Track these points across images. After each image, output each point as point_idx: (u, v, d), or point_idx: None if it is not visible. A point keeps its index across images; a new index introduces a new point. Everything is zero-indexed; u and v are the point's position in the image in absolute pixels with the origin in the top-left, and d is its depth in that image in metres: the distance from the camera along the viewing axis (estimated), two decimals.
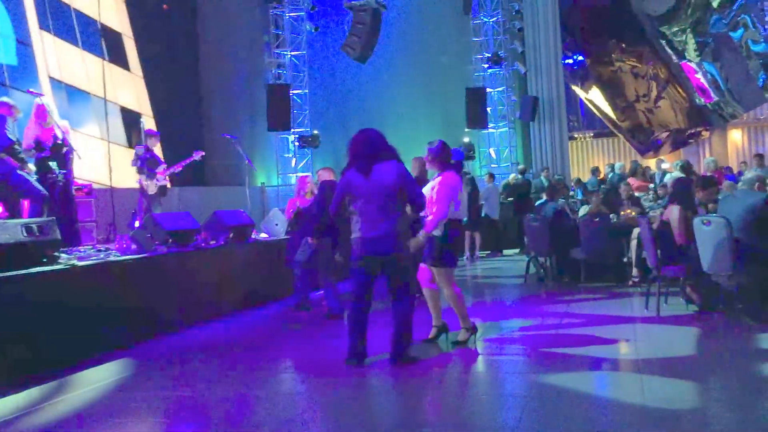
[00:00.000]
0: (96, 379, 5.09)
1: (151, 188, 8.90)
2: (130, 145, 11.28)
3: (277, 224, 8.78)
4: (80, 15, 11.36)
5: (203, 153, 9.40)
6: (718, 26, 18.64)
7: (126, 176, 9.64)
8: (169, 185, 9.24)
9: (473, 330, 5.58)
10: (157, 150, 9.55)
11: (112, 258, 6.35)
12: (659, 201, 9.57)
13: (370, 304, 5.07)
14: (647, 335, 5.75)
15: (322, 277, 7.18)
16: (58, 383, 4.96)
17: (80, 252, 6.89)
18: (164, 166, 9.07)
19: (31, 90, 8.18)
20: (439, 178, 5.40)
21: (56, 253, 5.84)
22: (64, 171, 7.52)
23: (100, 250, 7.06)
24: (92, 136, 11.08)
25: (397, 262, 4.94)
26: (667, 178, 11.71)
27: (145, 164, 8.82)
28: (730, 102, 19.65)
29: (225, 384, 4.87)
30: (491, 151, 17.21)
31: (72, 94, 10.92)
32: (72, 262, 5.84)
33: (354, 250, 5.01)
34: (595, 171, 15.03)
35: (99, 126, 11.14)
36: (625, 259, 8.40)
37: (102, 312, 5.74)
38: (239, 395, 4.58)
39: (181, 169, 9.18)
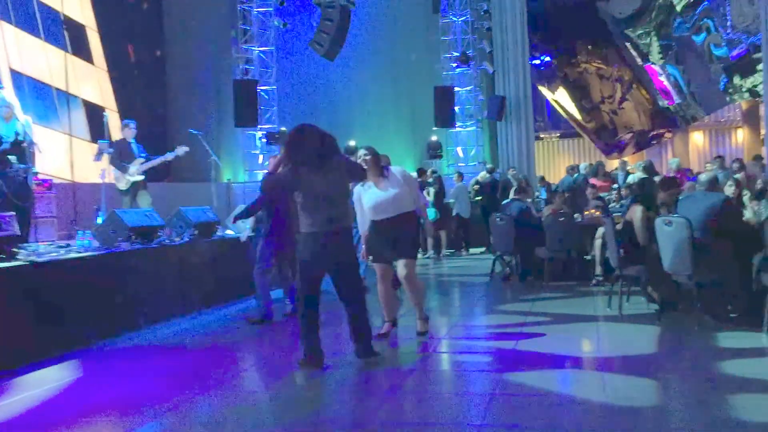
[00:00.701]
0: (55, 378, 4.99)
1: (121, 183, 8.60)
2: (93, 140, 11.08)
3: (242, 221, 8.68)
4: (42, 6, 11.13)
5: (187, 148, 8.98)
6: (681, 30, 18.97)
7: (88, 171, 9.46)
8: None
9: (427, 317, 5.78)
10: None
11: (72, 254, 6.23)
12: (622, 201, 9.70)
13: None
14: (609, 334, 5.83)
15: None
16: (17, 381, 4.85)
17: (40, 248, 6.75)
18: (141, 160, 8.67)
19: None
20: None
21: (14, 249, 5.71)
22: (25, 165, 7.35)
23: (60, 246, 6.92)
24: (54, 130, 10.86)
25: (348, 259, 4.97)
26: (630, 179, 11.89)
27: (119, 156, 8.52)
28: (692, 104, 20.03)
29: (187, 382, 4.81)
30: (459, 150, 17.30)
31: (33, 86, 10.70)
32: (31, 258, 5.72)
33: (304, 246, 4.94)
34: (571, 170, 14.94)
35: (61, 120, 10.93)
36: (588, 257, 8.50)
37: (62, 309, 5.63)
38: (201, 394, 4.53)
39: (158, 164, 8.81)
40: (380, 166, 5.51)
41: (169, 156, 8.81)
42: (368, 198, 5.50)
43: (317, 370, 4.84)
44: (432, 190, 12.41)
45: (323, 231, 4.80)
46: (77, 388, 4.80)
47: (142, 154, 8.73)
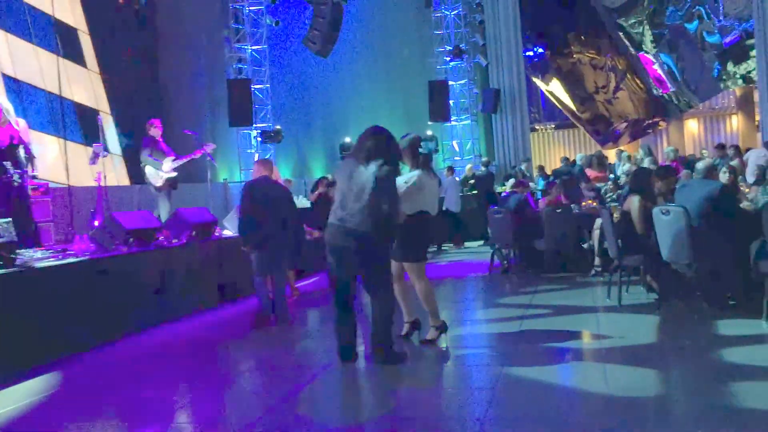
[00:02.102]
0: (55, 383, 4.98)
1: (158, 181, 8.62)
2: (87, 143, 11.04)
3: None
4: (33, 10, 11.07)
5: (214, 146, 9.07)
6: (673, 18, 18.99)
7: (83, 175, 9.43)
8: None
9: (443, 328, 5.46)
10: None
11: (70, 259, 6.21)
12: (619, 191, 9.70)
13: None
14: (609, 324, 5.84)
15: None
16: (17, 388, 4.84)
17: (37, 253, 6.73)
18: (172, 157, 8.69)
19: None
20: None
21: (12, 255, 5.70)
22: (20, 171, 7.31)
23: (58, 251, 6.90)
24: (47, 134, 10.82)
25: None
26: (625, 168, 11.90)
27: (152, 155, 8.56)
28: (686, 92, 20.06)
29: (189, 384, 4.81)
30: (454, 143, 17.29)
31: (26, 91, 10.65)
32: (29, 264, 5.70)
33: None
34: (566, 160, 14.91)
35: (54, 123, 10.89)
36: (585, 245, 8.50)
37: (61, 314, 5.62)
38: (203, 396, 4.53)
39: (188, 160, 8.80)
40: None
41: (197, 154, 8.85)
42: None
43: (323, 364, 4.83)
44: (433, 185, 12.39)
45: (336, 226, 4.82)
46: (77, 393, 4.79)
47: (171, 154, 8.78)
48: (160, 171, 8.63)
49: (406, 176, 5.31)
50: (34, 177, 7.72)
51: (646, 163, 10.94)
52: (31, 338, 5.30)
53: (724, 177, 6.91)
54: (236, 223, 8.57)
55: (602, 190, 10.08)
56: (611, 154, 16.36)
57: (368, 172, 4.77)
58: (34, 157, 7.51)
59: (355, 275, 4.95)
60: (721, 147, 12.16)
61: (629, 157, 12.64)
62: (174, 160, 8.72)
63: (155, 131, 8.80)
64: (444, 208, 12.91)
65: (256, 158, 15.30)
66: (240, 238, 6.71)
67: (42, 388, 4.84)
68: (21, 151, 7.27)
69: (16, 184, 7.24)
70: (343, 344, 4.95)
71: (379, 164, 4.76)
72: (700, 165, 6.58)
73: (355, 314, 5.01)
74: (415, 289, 5.41)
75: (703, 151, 17.00)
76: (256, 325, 6.54)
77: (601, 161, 12.12)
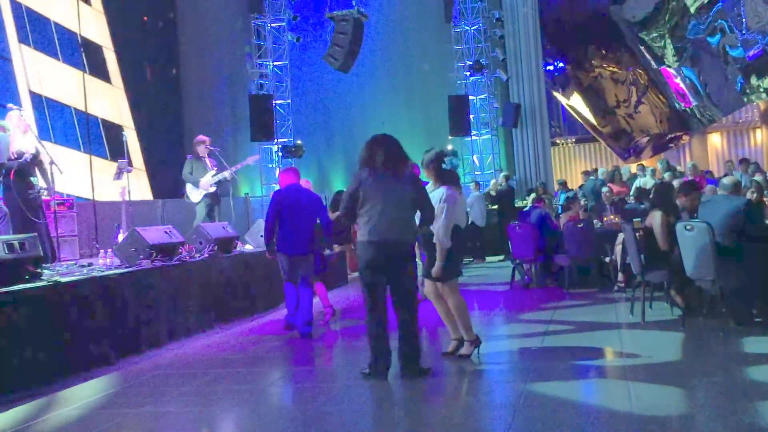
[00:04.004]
0: (80, 397, 5.03)
1: (196, 197, 8.77)
2: (112, 159, 11.19)
3: (261, 236, 8.73)
4: (60, 28, 11.29)
5: (258, 157, 9.25)
6: (695, 31, 18.86)
7: (108, 189, 9.55)
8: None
9: (477, 342, 5.41)
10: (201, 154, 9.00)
11: (95, 273, 6.28)
12: (642, 206, 9.63)
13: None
14: (633, 341, 5.78)
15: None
16: (44, 401, 4.90)
17: (63, 267, 6.82)
18: (212, 171, 8.81)
19: (10, 105, 8.08)
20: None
21: (39, 270, 5.78)
22: (46, 187, 7.43)
23: (83, 266, 6.99)
24: (73, 150, 11.00)
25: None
26: (640, 182, 11.83)
27: (192, 171, 8.72)
28: (709, 106, 19.87)
29: (211, 400, 4.84)
30: (474, 158, 17.28)
31: (52, 107, 10.84)
32: (55, 278, 5.78)
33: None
34: (586, 175, 14.69)
35: (80, 139, 11.06)
36: (608, 259, 8.44)
37: (86, 328, 5.68)
38: (226, 411, 4.54)
39: (229, 174, 8.89)
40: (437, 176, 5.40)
41: (238, 166, 8.97)
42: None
43: (381, 380, 4.84)
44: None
45: (379, 242, 4.83)
46: (103, 406, 4.83)
47: (215, 168, 8.88)
48: (197, 188, 8.75)
49: (438, 193, 5.28)
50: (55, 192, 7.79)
51: (667, 177, 10.88)
52: (55, 352, 5.35)
53: (750, 194, 6.85)
54: (258, 238, 8.69)
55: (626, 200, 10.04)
56: (633, 170, 16.23)
57: (402, 182, 4.85)
58: (60, 172, 7.61)
59: (386, 288, 4.97)
60: (745, 161, 12.04)
61: (652, 171, 12.52)
62: (214, 175, 8.80)
63: (200, 148, 8.90)
64: (469, 222, 12.90)
65: (277, 174, 15.44)
66: (265, 247, 6.85)
67: (70, 401, 4.89)
68: (45, 166, 7.36)
69: (41, 199, 7.36)
70: (384, 359, 4.90)
71: (411, 173, 4.94)
72: (725, 180, 6.52)
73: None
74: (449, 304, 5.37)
75: (728, 164, 16.78)
76: (285, 329, 6.77)
77: (620, 176, 12.10)
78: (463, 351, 5.38)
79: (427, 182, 5.44)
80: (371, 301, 4.93)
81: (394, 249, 4.83)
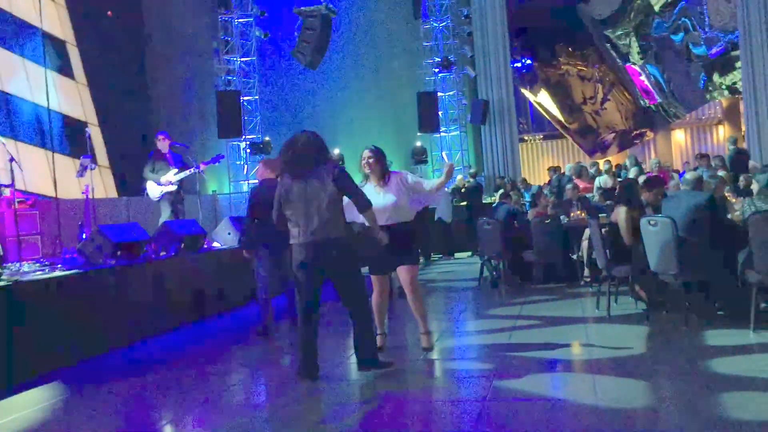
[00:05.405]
0: (43, 398, 4.94)
1: (156, 195, 8.65)
2: (75, 156, 11.00)
3: (229, 233, 8.66)
4: (21, 22, 11.05)
5: (223, 156, 9.39)
6: (660, 29, 19.16)
7: (71, 187, 9.38)
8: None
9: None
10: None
11: (57, 272, 6.17)
12: (607, 202, 9.74)
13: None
14: (598, 335, 5.85)
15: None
16: (2, 403, 4.79)
17: (25, 266, 6.68)
18: (174, 170, 8.67)
19: None
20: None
21: None
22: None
23: (45, 265, 6.85)
24: (35, 147, 10.78)
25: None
26: (600, 181, 11.96)
27: (153, 169, 8.58)
28: (673, 103, 20.22)
29: (176, 398, 4.78)
30: (443, 154, 17.33)
31: (14, 103, 10.61)
32: (16, 277, 5.66)
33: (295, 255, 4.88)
34: (553, 171, 14.79)
35: (42, 136, 10.85)
36: (575, 257, 8.53)
37: (48, 328, 5.57)
38: (189, 410, 4.49)
39: (188, 174, 8.79)
40: (384, 170, 5.35)
41: (201, 167, 8.81)
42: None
43: (310, 382, 4.81)
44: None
45: (305, 242, 4.75)
46: (64, 408, 4.74)
47: (178, 166, 8.76)
48: (159, 185, 8.63)
49: (411, 177, 5.39)
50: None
51: (633, 173, 11.01)
52: (18, 353, 5.24)
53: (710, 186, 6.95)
54: (225, 236, 8.60)
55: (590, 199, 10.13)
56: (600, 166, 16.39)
57: (320, 180, 4.72)
58: (21, 170, 7.47)
59: (320, 290, 4.90)
60: (703, 156, 12.21)
61: (608, 170, 12.63)
62: (177, 173, 8.70)
63: (162, 144, 8.79)
64: (436, 218, 12.93)
65: (245, 170, 15.32)
66: (240, 245, 6.74)
67: (30, 403, 4.80)
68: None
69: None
70: (309, 361, 4.86)
71: (330, 167, 4.76)
72: (688, 176, 6.62)
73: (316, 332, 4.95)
74: (409, 293, 5.38)
75: (686, 165, 17.02)
76: (259, 334, 6.56)
77: (587, 172, 12.21)
78: (425, 344, 5.43)
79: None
80: (303, 305, 4.86)
81: (323, 248, 4.72)
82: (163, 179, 8.62)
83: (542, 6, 19.09)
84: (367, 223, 4.96)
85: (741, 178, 9.77)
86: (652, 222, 5.94)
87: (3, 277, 5.61)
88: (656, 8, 18.77)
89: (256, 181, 7.41)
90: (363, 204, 4.81)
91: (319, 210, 4.70)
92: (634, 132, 21.07)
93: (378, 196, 5.24)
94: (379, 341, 5.45)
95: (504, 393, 4.38)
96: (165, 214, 8.63)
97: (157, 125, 13.67)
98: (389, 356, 5.19)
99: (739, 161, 11.84)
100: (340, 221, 4.80)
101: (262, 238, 6.38)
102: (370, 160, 5.32)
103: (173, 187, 8.71)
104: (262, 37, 15.25)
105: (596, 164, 13.79)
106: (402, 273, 5.37)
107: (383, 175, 5.34)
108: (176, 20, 14.20)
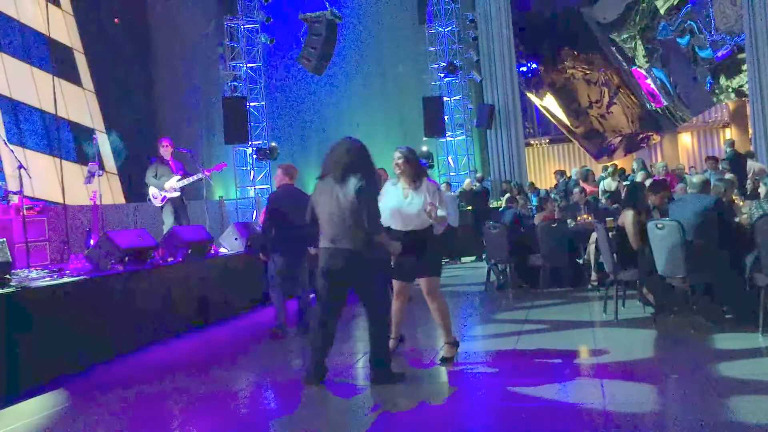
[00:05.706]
0: (48, 405, 4.95)
1: (158, 201, 8.66)
2: (83, 162, 11.05)
3: (236, 239, 8.69)
4: (29, 30, 11.12)
5: (225, 165, 9.47)
6: (665, 32, 19.13)
7: (79, 194, 9.42)
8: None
9: (457, 344, 5.44)
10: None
11: (65, 278, 6.19)
12: (615, 205, 9.73)
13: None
14: (606, 339, 5.83)
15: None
16: (11, 410, 4.81)
17: (33, 273, 6.70)
18: (177, 177, 8.66)
19: None
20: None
21: (7, 275, 5.68)
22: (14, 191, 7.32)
23: (53, 271, 6.88)
24: (43, 154, 10.83)
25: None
26: (606, 184, 11.95)
27: (156, 175, 8.60)
28: (679, 106, 20.17)
29: (184, 404, 4.79)
30: (449, 159, 17.33)
31: (22, 110, 10.67)
32: (24, 284, 5.68)
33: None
34: (560, 175, 14.80)
35: (50, 143, 10.90)
36: (581, 261, 8.51)
37: (55, 334, 5.59)
38: (199, 416, 4.50)
39: (193, 180, 8.79)
40: (416, 172, 5.21)
41: (205, 173, 8.81)
42: (390, 199, 5.19)
43: (318, 386, 4.82)
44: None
45: (329, 249, 4.79)
46: (71, 414, 4.76)
47: (180, 172, 8.77)
48: (162, 191, 8.64)
49: (439, 195, 5.27)
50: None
51: (640, 177, 10.99)
52: (25, 359, 5.26)
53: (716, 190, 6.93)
54: (232, 242, 8.62)
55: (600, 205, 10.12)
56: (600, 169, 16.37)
57: (347, 189, 4.71)
58: (29, 177, 7.50)
59: (345, 298, 4.93)
60: (710, 159, 12.17)
61: (613, 173, 12.63)
62: (179, 179, 8.72)
63: (164, 150, 8.80)
64: None
65: (251, 176, 15.35)
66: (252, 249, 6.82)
67: (37, 409, 4.81)
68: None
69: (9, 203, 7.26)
70: (317, 363, 4.90)
71: (358, 179, 4.72)
72: (694, 179, 6.61)
73: (334, 338, 4.97)
74: (432, 303, 5.34)
75: (692, 169, 16.95)
76: (272, 337, 6.64)
77: (593, 175, 12.21)
78: (446, 354, 5.37)
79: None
80: (321, 311, 4.90)
81: (344, 256, 4.73)
82: (166, 185, 8.63)
83: (547, 10, 19.10)
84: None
85: (748, 181, 9.74)
86: (659, 225, 5.93)
87: (11, 283, 5.63)
88: (662, 11, 18.75)
89: (265, 186, 7.48)
90: (373, 227, 4.73)
91: (342, 219, 4.72)
92: (641, 135, 21.02)
93: (404, 199, 5.18)
94: (391, 345, 5.44)
95: (512, 398, 4.37)
96: (169, 221, 8.64)
97: (163, 131, 13.73)
98: (398, 358, 5.19)
99: (737, 164, 11.79)
100: (360, 232, 4.73)
101: (278, 242, 6.47)
102: (399, 161, 5.22)
103: (176, 194, 8.74)
104: (268, 43, 15.30)
105: (606, 168, 13.78)
106: (423, 284, 5.32)
107: (414, 177, 5.23)
108: (182, 26, 14.26)
